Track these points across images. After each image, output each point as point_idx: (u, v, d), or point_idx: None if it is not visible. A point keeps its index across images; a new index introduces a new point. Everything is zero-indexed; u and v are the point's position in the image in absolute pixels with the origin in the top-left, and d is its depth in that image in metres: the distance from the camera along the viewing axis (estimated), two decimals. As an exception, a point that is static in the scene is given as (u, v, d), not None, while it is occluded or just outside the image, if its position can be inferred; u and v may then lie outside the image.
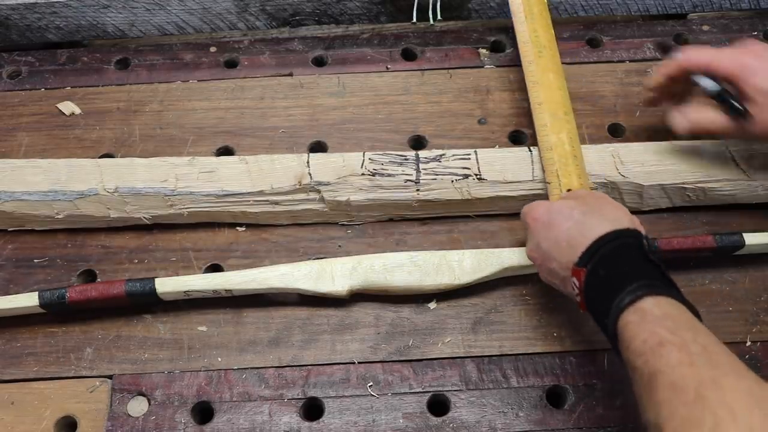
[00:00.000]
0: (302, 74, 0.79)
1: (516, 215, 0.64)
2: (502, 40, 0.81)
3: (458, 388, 0.60)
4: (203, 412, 0.60)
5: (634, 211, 0.65)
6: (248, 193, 0.65)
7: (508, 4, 0.75)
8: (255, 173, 0.66)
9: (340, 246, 0.67)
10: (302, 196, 0.66)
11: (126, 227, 0.68)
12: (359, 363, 0.61)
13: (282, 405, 0.59)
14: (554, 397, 0.60)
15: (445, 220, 0.69)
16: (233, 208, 0.66)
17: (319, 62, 0.81)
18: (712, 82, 0.60)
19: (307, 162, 0.66)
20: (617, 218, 0.53)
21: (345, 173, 0.65)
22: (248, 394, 0.60)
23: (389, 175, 0.65)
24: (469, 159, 0.66)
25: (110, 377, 0.61)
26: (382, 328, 0.63)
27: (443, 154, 0.67)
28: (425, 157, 0.67)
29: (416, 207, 0.67)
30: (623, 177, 0.65)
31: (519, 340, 0.62)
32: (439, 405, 0.60)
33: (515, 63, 0.74)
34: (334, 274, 0.62)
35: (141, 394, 0.60)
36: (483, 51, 0.81)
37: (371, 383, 0.60)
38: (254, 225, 0.68)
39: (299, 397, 0.60)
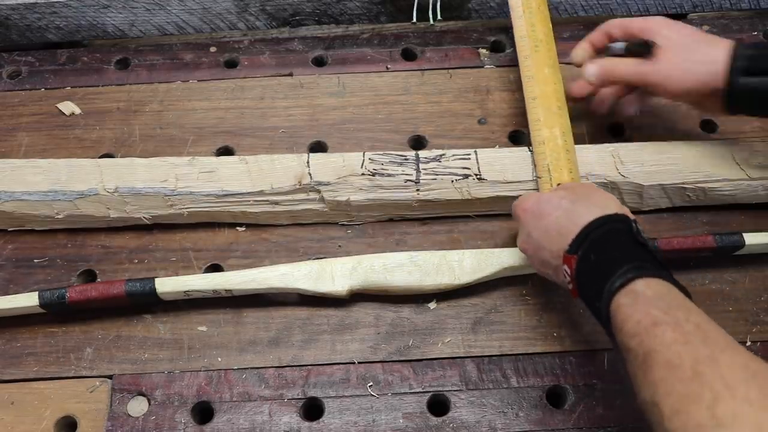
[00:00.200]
0: (302, 74, 0.79)
1: (516, 215, 0.64)
2: (502, 40, 0.81)
3: (458, 388, 0.60)
4: (203, 412, 0.60)
5: (634, 211, 0.65)
6: (248, 193, 0.65)
7: (507, 4, 0.75)
8: (255, 173, 0.66)
9: (340, 246, 0.67)
10: (302, 196, 0.66)
11: (126, 227, 0.68)
12: (359, 363, 0.61)
13: (282, 405, 0.59)
14: (554, 397, 0.60)
15: (445, 220, 0.69)
16: (233, 208, 0.66)
17: (319, 62, 0.81)
18: (621, 42, 0.66)
19: (307, 162, 0.66)
20: (606, 205, 0.54)
21: (345, 173, 0.65)
22: (248, 394, 0.60)
23: (389, 175, 0.65)
24: (469, 159, 0.66)
25: (110, 377, 0.61)
26: (382, 328, 0.63)
27: (443, 154, 0.67)
28: (425, 157, 0.67)
29: (416, 207, 0.67)
30: (623, 177, 0.65)
31: (519, 340, 0.62)
32: (439, 405, 0.60)
33: (515, 63, 0.74)
34: (334, 274, 0.62)
35: (141, 394, 0.60)
36: (483, 51, 0.81)
37: (371, 383, 0.60)
38: (254, 225, 0.68)
39: (299, 397, 0.60)
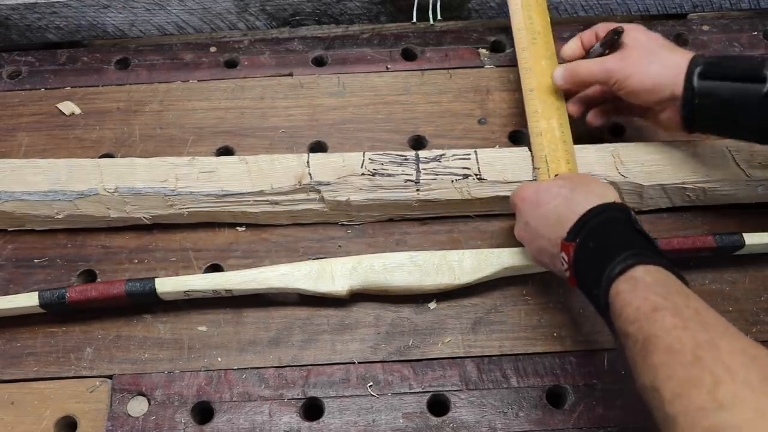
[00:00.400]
0: (302, 74, 0.79)
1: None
2: (502, 40, 0.81)
3: (458, 388, 0.60)
4: (203, 412, 0.60)
5: (635, 211, 0.65)
6: (248, 193, 0.65)
7: (507, 4, 0.75)
8: (255, 173, 0.66)
9: (340, 246, 0.67)
10: (302, 196, 0.66)
11: (126, 227, 0.68)
12: (359, 363, 0.61)
13: (282, 405, 0.59)
14: (554, 397, 0.60)
15: (445, 220, 0.69)
16: (233, 208, 0.66)
17: (319, 62, 0.81)
18: (597, 44, 0.66)
19: (307, 162, 0.66)
20: (604, 194, 0.55)
21: (345, 173, 0.65)
22: (248, 394, 0.60)
23: (389, 175, 0.65)
24: (469, 159, 0.66)
25: (110, 377, 0.61)
26: (382, 328, 0.63)
27: (443, 154, 0.67)
28: (425, 157, 0.67)
29: (416, 207, 0.67)
30: (623, 177, 0.65)
31: (519, 340, 0.62)
32: (439, 405, 0.60)
33: (515, 63, 0.74)
34: (334, 274, 0.62)
35: (141, 394, 0.60)
36: (483, 51, 0.81)
37: (371, 383, 0.60)
38: (254, 225, 0.68)
39: (299, 397, 0.60)
